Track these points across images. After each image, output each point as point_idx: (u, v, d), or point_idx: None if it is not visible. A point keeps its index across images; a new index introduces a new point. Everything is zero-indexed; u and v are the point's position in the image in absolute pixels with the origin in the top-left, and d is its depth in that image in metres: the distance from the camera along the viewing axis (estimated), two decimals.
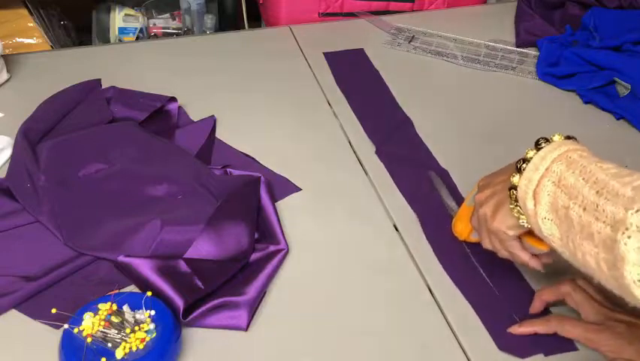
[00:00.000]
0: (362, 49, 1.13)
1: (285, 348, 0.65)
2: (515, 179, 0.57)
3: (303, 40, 1.16)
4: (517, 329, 0.67)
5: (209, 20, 1.43)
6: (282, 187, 0.84)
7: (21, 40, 1.26)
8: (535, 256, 0.64)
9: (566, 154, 0.53)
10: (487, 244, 0.66)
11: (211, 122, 0.93)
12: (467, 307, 0.70)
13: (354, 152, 0.91)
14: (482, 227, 0.65)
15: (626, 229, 0.44)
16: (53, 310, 0.61)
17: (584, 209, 0.48)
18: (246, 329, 0.66)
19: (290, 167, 0.87)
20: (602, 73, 1.05)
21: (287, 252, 0.74)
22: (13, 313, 0.67)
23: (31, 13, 1.29)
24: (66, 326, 0.60)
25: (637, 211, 0.43)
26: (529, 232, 0.61)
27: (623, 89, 1.04)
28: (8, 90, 1.01)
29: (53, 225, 0.75)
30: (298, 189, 0.84)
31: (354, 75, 1.06)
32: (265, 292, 0.70)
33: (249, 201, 0.77)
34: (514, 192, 0.57)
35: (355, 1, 1.24)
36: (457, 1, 1.30)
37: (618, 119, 0.99)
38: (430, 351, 0.65)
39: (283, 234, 0.76)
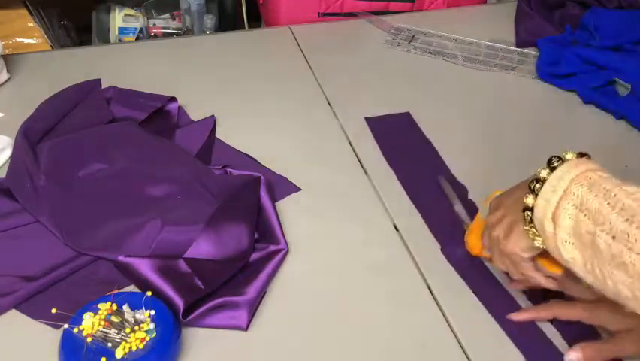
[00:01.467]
0: (408, 112, 0.99)
1: (285, 348, 0.65)
2: (529, 200, 0.55)
3: (303, 40, 1.16)
4: (516, 317, 0.67)
5: (209, 20, 1.43)
6: (282, 187, 0.84)
7: (21, 40, 1.26)
8: (549, 276, 0.63)
9: (585, 174, 0.52)
10: (500, 265, 0.65)
11: (211, 122, 0.93)
12: (467, 307, 0.70)
13: (354, 152, 0.91)
14: (494, 249, 0.64)
15: None
16: (53, 310, 0.61)
17: (614, 237, 0.47)
18: (246, 329, 0.66)
19: (290, 167, 0.87)
20: (602, 73, 1.05)
21: (287, 252, 0.74)
22: (13, 314, 0.67)
23: (31, 13, 1.29)
24: (66, 325, 0.60)
25: None
26: (543, 254, 0.60)
27: (623, 89, 1.04)
28: (8, 90, 1.01)
29: (53, 225, 0.75)
30: (298, 189, 0.84)
31: (401, 143, 0.93)
32: (265, 292, 0.70)
33: (249, 201, 0.77)
34: (530, 213, 0.56)
35: (355, 1, 1.24)
36: (457, 1, 1.30)
37: (618, 119, 0.99)
38: (430, 351, 0.65)
39: (283, 234, 0.76)
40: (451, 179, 0.85)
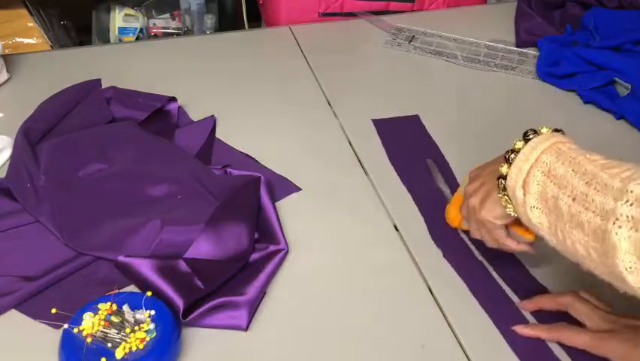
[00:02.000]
0: (417, 115, 0.98)
1: (285, 348, 0.65)
2: (504, 169, 0.58)
3: (303, 40, 1.16)
4: (522, 330, 0.66)
5: (209, 20, 1.43)
6: (282, 187, 0.84)
7: (21, 40, 1.26)
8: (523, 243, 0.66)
9: (555, 146, 0.55)
10: (475, 234, 0.68)
11: (211, 122, 0.93)
12: (468, 307, 0.70)
13: (354, 152, 0.91)
14: (471, 217, 0.67)
15: (617, 219, 0.46)
16: (53, 310, 0.61)
17: (574, 199, 0.51)
18: (246, 329, 0.66)
19: (290, 167, 0.87)
20: (602, 73, 1.05)
21: (287, 252, 0.74)
22: (13, 314, 0.67)
23: (31, 13, 1.29)
24: (66, 326, 0.60)
25: (626, 202, 0.46)
26: (516, 222, 0.63)
27: (623, 89, 1.04)
28: (8, 90, 1.01)
29: (53, 225, 0.75)
30: (298, 189, 0.84)
31: (407, 145, 0.92)
32: (265, 292, 0.70)
33: (249, 201, 0.77)
34: (503, 181, 0.59)
35: (355, 1, 1.24)
36: (457, 1, 1.30)
37: (618, 119, 0.99)
38: (430, 351, 0.65)
39: (283, 234, 0.76)
40: (446, 171, 0.87)
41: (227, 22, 1.56)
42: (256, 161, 0.88)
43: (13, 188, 0.80)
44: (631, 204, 0.45)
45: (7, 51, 1.11)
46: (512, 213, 0.60)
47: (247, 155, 0.89)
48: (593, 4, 1.20)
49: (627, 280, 0.46)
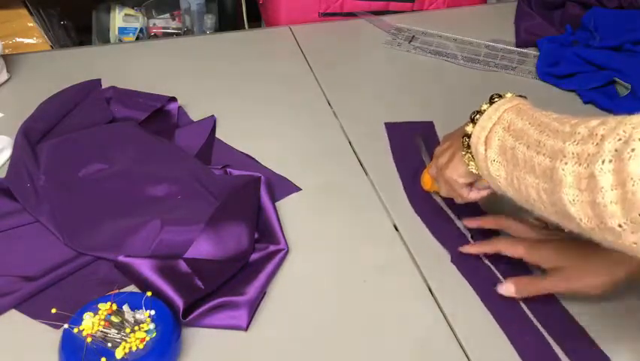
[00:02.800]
0: (431, 122, 0.97)
1: (285, 348, 0.65)
2: (469, 128, 0.62)
3: (303, 40, 1.16)
4: (466, 249, 0.73)
5: (209, 20, 1.44)
6: (282, 187, 0.84)
7: (21, 40, 1.26)
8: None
9: (517, 106, 0.60)
10: (443, 192, 0.73)
11: (211, 122, 0.93)
12: (468, 307, 0.70)
13: (354, 152, 0.91)
14: (439, 176, 0.72)
15: (564, 156, 0.49)
16: (53, 310, 0.61)
17: (528, 147, 0.54)
18: (246, 329, 0.66)
19: (290, 167, 0.87)
20: (602, 73, 1.05)
21: (287, 252, 0.74)
22: (13, 314, 0.67)
23: (31, 13, 1.29)
24: (66, 325, 0.60)
25: (573, 142, 0.49)
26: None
27: (623, 89, 1.04)
28: (8, 90, 1.01)
29: (53, 225, 0.75)
30: (298, 189, 0.84)
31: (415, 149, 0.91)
32: (265, 292, 0.70)
33: (249, 201, 0.77)
34: (467, 139, 0.63)
35: (355, 1, 1.24)
36: (457, 1, 1.30)
37: None
38: (430, 351, 0.65)
39: (283, 234, 0.76)
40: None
41: (227, 22, 1.57)
42: (256, 161, 0.88)
43: (13, 188, 0.80)
44: (577, 143, 0.48)
45: (7, 51, 1.11)
46: (474, 171, 0.63)
47: (247, 155, 0.89)
48: (593, 4, 1.20)
49: (570, 212, 0.49)
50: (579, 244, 0.65)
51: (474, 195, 0.70)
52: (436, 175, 0.73)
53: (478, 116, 0.62)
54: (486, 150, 0.59)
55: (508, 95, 0.62)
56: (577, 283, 0.64)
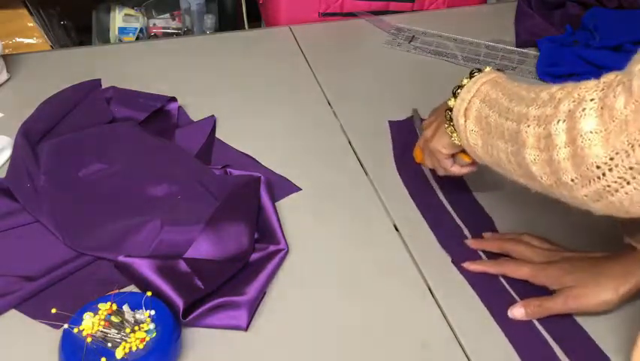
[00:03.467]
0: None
1: (285, 348, 0.65)
2: (451, 102, 0.65)
3: (303, 40, 1.16)
4: (470, 266, 0.73)
5: (209, 20, 1.43)
6: (282, 187, 0.84)
7: (21, 40, 1.26)
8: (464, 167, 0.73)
9: (494, 79, 0.63)
10: (428, 164, 0.77)
11: (211, 122, 0.93)
12: (468, 307, 0.70)
13: (354, 152, 0.91)
14: (425, 148, 0.76)
15: (527, 119, 0.52)
16: (53, 310, 0.61)
17: (499, 114, 0.57)
18: (246, 329, 0.66)
19: (290, 167, 0.87)
20: (602, 73, 1.05)
21: (287, 252, 0.74)
22: (13, 314, 0.67)
23: (31, 13, 1.29)
24: (66, 325, 0.60)
25: (535, 106, 0.52)
26: (462, 151, 0.69)
27: None
28: (8, 90, 1.01)
29: (53, 225, 0.75)
30: (298, 189, 0.84)
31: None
32: (265, 292, 0.70)
33: (249, 201, 0.77)
34: (449, 113, 0.66)
35: (355, 1, 1.24)
36: (457, 1, 1.29)
37: None
38: (430, 351, 0.65)
39: (283, 234, 0.76)
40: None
41: (227, 22, 1.56)
42: (256, 161, 0.88)
43: (13, 188, 0.79)
44: (538, 107, 0.52)
45: (7, 51, 1.11)
46: (457, 142, 0.66)
47: (247, 155, 0.89)
48: (593, 4, 1.20)
49: (532, 171, 0.52)
50: (584, 263, 0.67)
51: (456, 169, 0.73)
52: (423, 146, 0.77)
53: (459, 90, 0.65)
54: (465, 120, 0.63)
55: (487, 69, 0.65)
56: (586, 302, 0.65)
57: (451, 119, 0.66)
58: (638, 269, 0.65)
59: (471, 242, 0.76)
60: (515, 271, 0.70)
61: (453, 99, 0.66)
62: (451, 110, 0.66)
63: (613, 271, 0.65)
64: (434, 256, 0.75)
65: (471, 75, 0.65)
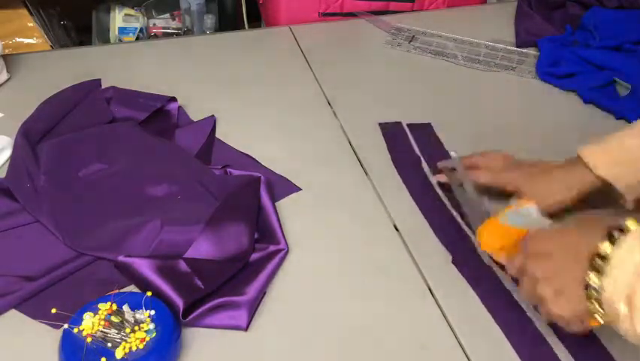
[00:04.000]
0: (429, 123, 0.96)
1: (285, 348, 0.65)
2: (594, 279, 0.51)
3: (303, 41, 1.16)
4: (438, 177, 0.83)
5: (209, 20, 1.43)
6: (282, 187, 0.84)
7: (21, 40, 1.26)
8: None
9: None
10: (524, 295, 0.63)
11: (211, 122, 0.93)
12: (468, 307, 0.70)
13: (354, 152, 0.91)
14: (534, 300, 0.60)
15: None
16: (53, 310, 0.61)
17: None
18: (246, 329, 0.66)
19: (290, 167, 0.87)
20: (602, 73, 1.05)
21: (287, 252, 0.74)
22: (13, 313, 0.67)
23: (31, 13, 1.29)
24: (66, 325, 0.60)
25: None
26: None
27: (623, 89, 1.04)
28: (8, 90, 1.01)
29: (53, 225, 0.75)
30: (298, 189, 0.84)
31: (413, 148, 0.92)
32: (265, 292, 0.70)
33: (249, 201, 0.77)
34: (594, 292, 0.52)
35: (355, 1, 1.24)
36: (457, 1, 1.30)
37: (618, 119, 0.99)
38: (430, 351, 0.65)
39: (283, 234, 0.76)
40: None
41: (227, 22, 1.56)
42: (256, 161, 0.88)
43: (13, 188, 0.79)
44: None
45: (7, 51, 1.11)
46: (601, 321, 0.53)
47: (247, 155, 0.89)
48: (593, 4, 1.20)
49: None
50: (538, 171, 0.75)
51: (579, 329, 0.58)
52: (527, 293, 0.61)
53: (600, 262, 0.51)
54: (632, 310, 0.48)
55: (632, 225, 0.50)
56: (542, 203, 0.71)
57: (595, 297, 0.52)
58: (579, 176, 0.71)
59: (440, 164, 0.83)
60: (480, 177, 0.78)
61: (592, 274, 0.51)
62: (595, 290, 0.51)
63: (563, 179, 0.72)
64: (434, 256, 0.75)
65: (610, 238, 0.50)
